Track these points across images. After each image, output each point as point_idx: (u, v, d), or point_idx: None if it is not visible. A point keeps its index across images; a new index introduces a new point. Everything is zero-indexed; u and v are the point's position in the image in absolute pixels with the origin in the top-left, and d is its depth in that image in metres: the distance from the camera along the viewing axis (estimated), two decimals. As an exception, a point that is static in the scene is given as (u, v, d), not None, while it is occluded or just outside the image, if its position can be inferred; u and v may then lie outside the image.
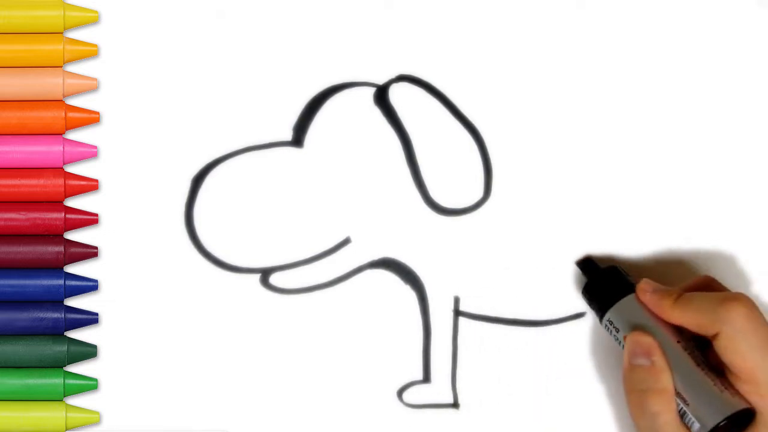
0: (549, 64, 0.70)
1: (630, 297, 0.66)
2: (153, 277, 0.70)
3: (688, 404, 0.63)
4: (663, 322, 0.65)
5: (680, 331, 0.65)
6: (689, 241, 0.70)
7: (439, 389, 0.70)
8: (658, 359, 0.64)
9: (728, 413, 0.62)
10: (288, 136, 0.70)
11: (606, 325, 0.67)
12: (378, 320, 0.70)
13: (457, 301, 0.70)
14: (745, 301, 0.62)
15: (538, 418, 0.70)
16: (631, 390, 0.64)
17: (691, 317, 0.63)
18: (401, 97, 0.70)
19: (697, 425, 0.62)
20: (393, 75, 0.70)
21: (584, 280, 0.69)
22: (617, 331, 0.66)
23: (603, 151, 0.70)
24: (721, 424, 0.62)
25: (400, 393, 0.70)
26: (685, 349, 0.64)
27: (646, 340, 0.64)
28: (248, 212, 0.70)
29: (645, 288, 0.65)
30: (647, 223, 0.70)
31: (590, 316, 0.70)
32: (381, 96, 0.70)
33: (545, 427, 0.70)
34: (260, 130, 0.70)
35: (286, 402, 0.70)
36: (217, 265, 0.70)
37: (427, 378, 0.70)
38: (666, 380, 0.63)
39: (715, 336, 0.62)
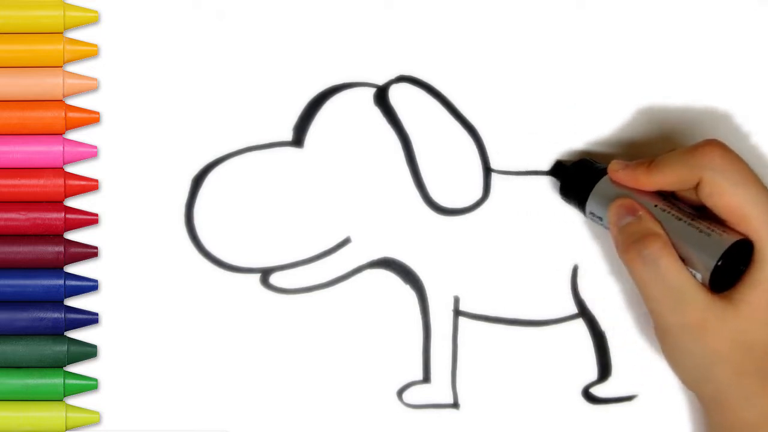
0: (549, 64, 0.70)
1: (603, 180, 0.66)
2: (153, 277, 0.70)
3: (683, 259, 0.62)
4: (640, 195, 0.64)
5: (659, 199, 0.64)
6: None
7: (439, 389, 0.70)
8: (644, 213, 0.64)
9: (722, 250, 0.61)
10: (288, 136, 0.70)
11: (590, 217, 0.67)
12: (378, 320, 0.70)
13: (457, 301, 0.70)
14: (717, 143, 0.62)
15: (538, 418, 0.70)
16: (625, 248, 0.63)
17: (669, 175, 0.63)
18: (401, 97, 0.70)
19: (698, 276, 0.62)
20: (393, 75, 0.70)
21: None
22: (601, 219, 0.66)
23: (602, 151, 0.70)
24: (720, 264, 0.61)
25: (400, 393, 0.70)
26: (665, 210, 0.63)
27: (626, 201, 0.64)
28: (248, 212, 0.70)
29: (615, 167, 0.65)
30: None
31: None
32: (381, 96, 0.70)
33: (545, 427, 0.70)
34: (260, 130, 0.70)
35: (286, 402, 0.70)
36: (217, 265, 0.70)
37: (427, 378, 0.70)
38: (657, 227, 0.63)
39: (698, 185, 0.62)
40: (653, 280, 0.62)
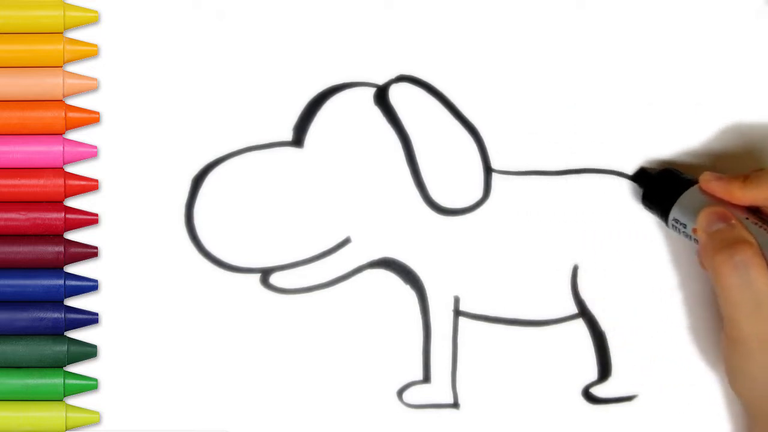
0: (549, 64, 0.70)
1: (692, 190, 0.66)
2: (153, 277, 0.70)
3: None
4: (730, 207, 0.65)
5: (749, 213, 0.64)
6: None
7: (439, 389, 0.70)
8: (737, 221, 0.64)
9: None
10: (288, 136, 0.70)
11: (672, 225, 0.67)
12: (378, 320, 0.70)
13: (457, 301, 0.70)
14: None
15: (538, 418, 0.70)
16: (714, 253, 0.63)
17: (764, 191, 0.63)
18: (401, 97, 0.70)
19: None
20: (393, 75, 0.70)
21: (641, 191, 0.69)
22: (684, 227, 0.66)
23: (603, 151, 0.70)
24: None
25: (400, 393, 0.70)
26: (756, 223, 0.64)
27: (718, 208, 0.64)
28: (248, 212, 0.70)
29: (708, 178, 0.65)
30: (645, 221, 0.70)
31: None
32: (381, 96, 0.70)
33: (545, 427, 0.70)
34: (260, 130, 0.70)
35: (286, 402, 0.70)
36: (217, 265, 0.70)
37: (427, 378, 0.70)
38: (749, 236, 0.63)
39: None
40: (739, 287, 0.62)
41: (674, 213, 0.67)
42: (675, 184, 0.67)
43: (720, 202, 0.65)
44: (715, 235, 0.64)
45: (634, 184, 0.70)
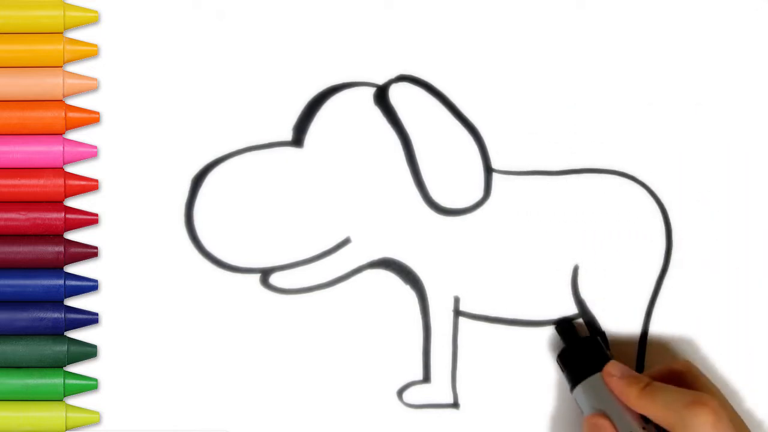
0: (549, 64, 0.70)
1: (597, 376, 0.65)
2: (153, 277, 0.70)
3: None
4: (628, 407, 0.64)
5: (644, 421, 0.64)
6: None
7: (439, 389, 0.70)
8: None
9: None
10: (288, 136, 0.70)
11: (575, 398, 0.67)
12: (378, 320, 0.70)
13: (457, 301, 0.70)
14: (712, 406, 0.60)
15: (537, 418, 0.70)
16: None
17: (656, 411, 0.62)
18: (401, 97, 0.70)
19: None
20: (393, 75, 0.70)
21: (561, 344, 0.68)
22: (582, 411, 0.66)
23: (603, 150, 0.70)
24: None
25: (400, 393, 0.70)
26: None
27: (602, 422, 0.64)
28: (248, 212, 0.70)
29: (611, 372, 0.65)
30: (646, 222, 0.70)
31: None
32: (381, 96, 0.70)
33: (545, 427, 0.70)
34: (260, 130, 0.70)
35: (286, 402, 0.70)
36: (217, 265, 0.70)
37: (427, 378, 0.70)
38: None
39: None
40: None
41: (576, 393, 0.66)
42: (590, 359, 0.66)
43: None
44: None
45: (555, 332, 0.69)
